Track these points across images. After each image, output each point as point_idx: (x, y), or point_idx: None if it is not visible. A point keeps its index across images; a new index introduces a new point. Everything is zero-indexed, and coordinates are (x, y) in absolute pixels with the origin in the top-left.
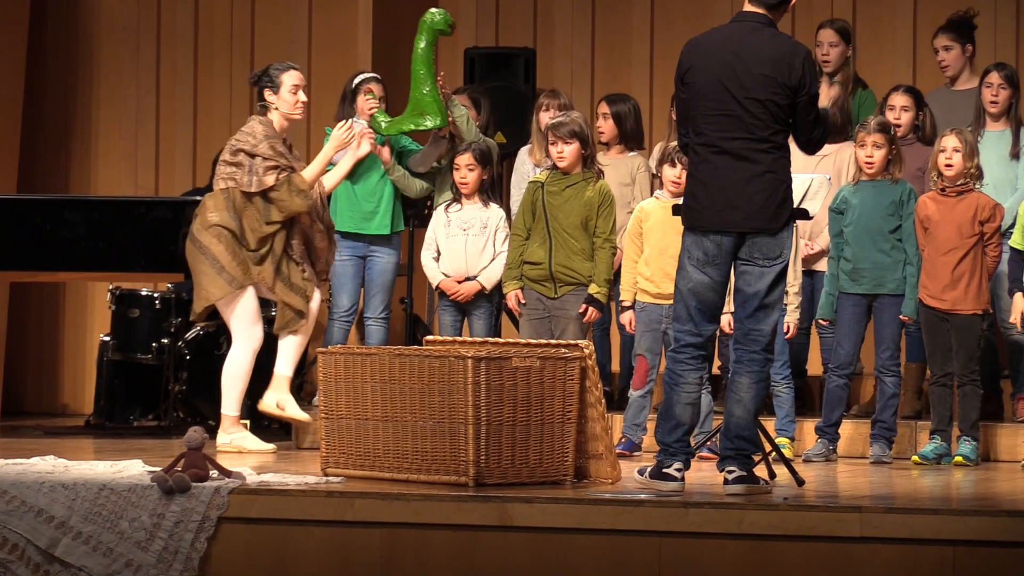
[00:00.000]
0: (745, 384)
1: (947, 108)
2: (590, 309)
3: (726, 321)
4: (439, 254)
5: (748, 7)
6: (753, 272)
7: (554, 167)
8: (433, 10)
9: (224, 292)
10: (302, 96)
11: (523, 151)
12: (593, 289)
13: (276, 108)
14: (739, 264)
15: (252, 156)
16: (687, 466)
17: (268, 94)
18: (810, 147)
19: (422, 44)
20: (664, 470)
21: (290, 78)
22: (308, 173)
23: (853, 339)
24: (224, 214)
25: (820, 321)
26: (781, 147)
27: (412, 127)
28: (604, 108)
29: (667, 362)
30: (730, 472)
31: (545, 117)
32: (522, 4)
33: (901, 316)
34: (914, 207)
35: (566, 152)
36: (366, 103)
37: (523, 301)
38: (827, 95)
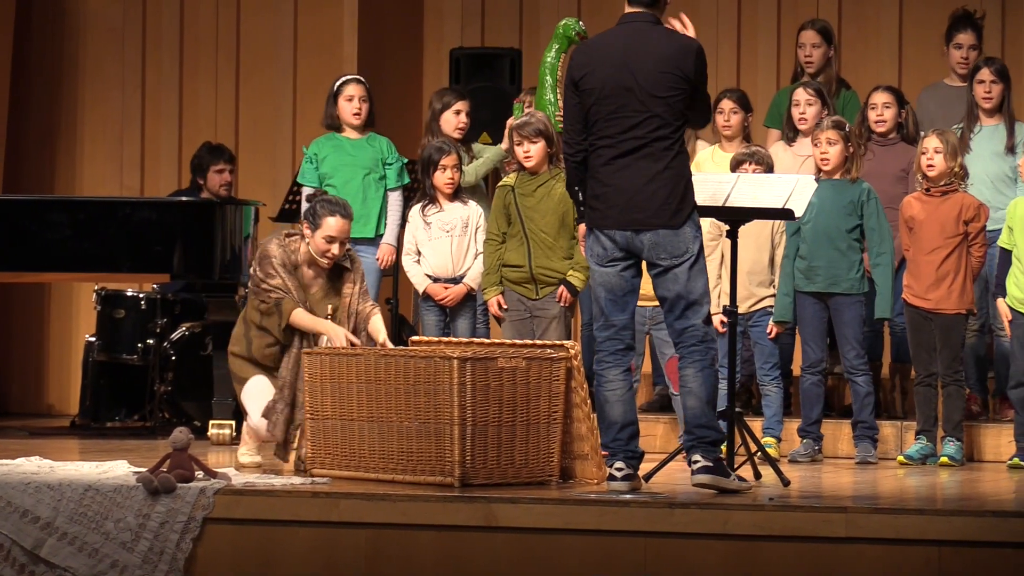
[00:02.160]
0: (691, 374)
1: (947, 104)
2: (564, 291)
3: (718, 320)
4: (420, 257)
5: (630, 8)
6: (667, 276)
7: (521, 168)
8: (569, 20)
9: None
10: (335, 249)
11: None
12: (569, 274)
13: (308, 243)
14: (650, 270)
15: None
16: (632, 465)
17: (306, 227)
18: (701, 122)
19: (551, 53)
20: (610, 471)
21: (331, 225)
22: (297, 317)
23: (818, 338)
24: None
25: (777, 324)
26: (679, 143)
27: None
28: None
29: (595, 365)
30: (695, 462)
31: None
32: (508, 4)
33: (877, 317)
34: (878, 206)
35: (533, 151)
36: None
37: (504, 307)
38: None
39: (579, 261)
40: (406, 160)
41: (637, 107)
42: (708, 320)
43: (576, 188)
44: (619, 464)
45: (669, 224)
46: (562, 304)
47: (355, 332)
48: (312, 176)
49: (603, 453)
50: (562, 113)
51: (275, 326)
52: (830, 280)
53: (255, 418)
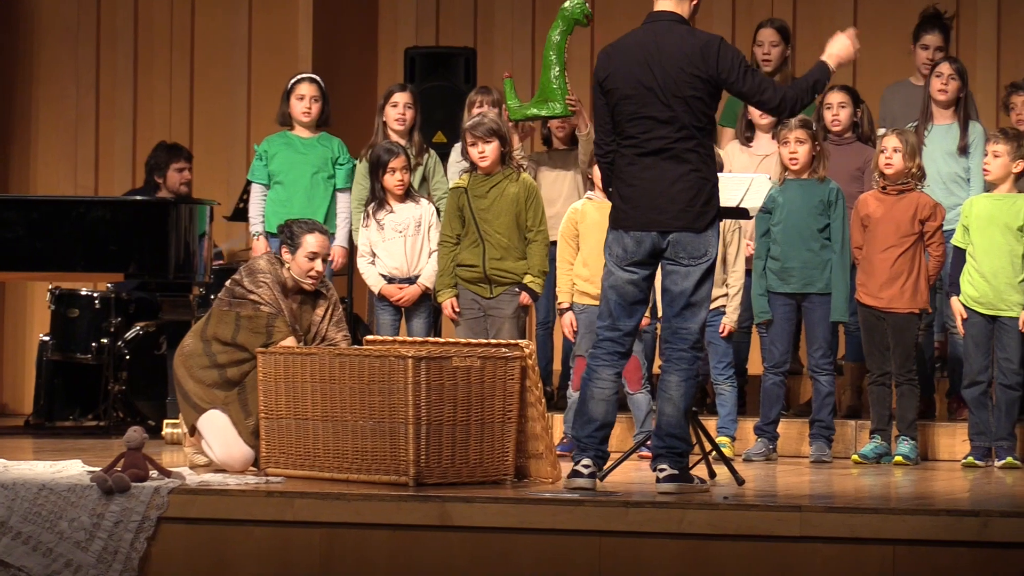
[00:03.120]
0: (675, 382)
1: (910, 103)
2: (523, 295)
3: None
4: (374, 258)
5: (659, 6)
6: (679, 271)
7: (473, 168)
8: (574, 1)
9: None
10: (319, 265)
11: (456, 148)
12: (528, 279)
13: (289, 268)
14: (665, 264)
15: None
16: (598, 464)
17: (285, 252)
18: (778, 109)
19: (556, 32)
20: (574, 466)
21: (311, 243)
22: (287, 343)
23: (786, 338)
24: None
25: (759, 324)
26: (706, 145)
27: (536, 112)
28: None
29: (588, 358)
30: (661, 470)
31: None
32: (462, 4)
33: (834, 320)
34: (844, 207)
35: (487, 151)
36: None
37: (458, 309)
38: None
39: (536, 265)
40: (355, 162)
41: (660, 107)
42: (703, 329)
43: (611, 189)
44: (587, 461)
45: (692, 227)
46: (521, 304)
47: None
48: (261, 173)
49: (560, 453)
50: (572, 96)
51: (258, 341)
52: (805, 281)
53: (220, 454)
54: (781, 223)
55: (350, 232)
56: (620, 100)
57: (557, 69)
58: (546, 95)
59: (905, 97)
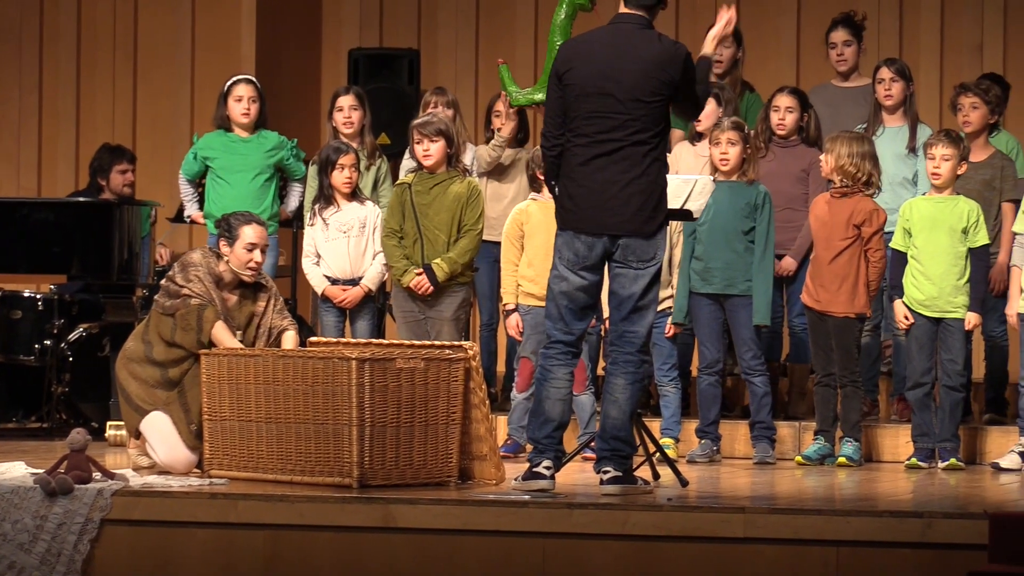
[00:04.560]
0: (620, 385)
1: (832, 104)
2: (423, 278)
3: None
4: (319, 259)
5: (624, 8)
6: (628, 275)
7: (419, 168)
8: None
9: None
10: (257, 256)
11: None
12: (435, 262)
13: (228, 261)
14: (613, 267)
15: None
16: (557, 465)
17: (223, 245)
18: (697, 115)
19: (561, 16)
20: (534, 468)
21: (249, 234)
22: (219, 331)
23: (715, 339)
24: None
25: (674, 325)
26: (658, 149)
27: (542, 98)
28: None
29: (540, 358)
30: (605, 472)
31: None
32: (406, 6)
33: (756, 323)
34: (771, 211)
35: (432, 150)
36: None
37: (425, 284)
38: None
39: (454, 253)
40: (295, 141)
41: (618, 109)
42: (650, 332)
43: (553, 183)
44: (548, 463)
45: (641, 231)
46: (414, 288)
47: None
48: (191, 166)
49: (504, 455)
50: None
51: (191, 337)
52: (726, 282)
53: (164, 456)
54: (707, 224)
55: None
56: (578, 97)
57: None
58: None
59: (828, 98)
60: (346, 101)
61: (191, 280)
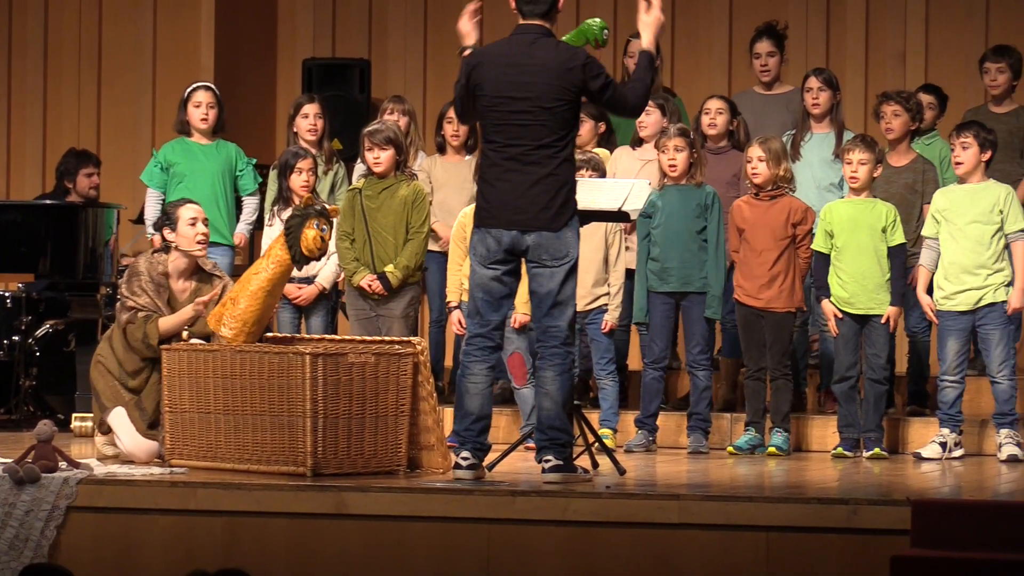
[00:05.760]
0: (550, 377)
1: (756, 111)
2: (375, 280)
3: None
4: None
5: (524, 20)
6: (544, 273)
7: (370, 173)
8: (596, 20)
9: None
10: (201, 228)
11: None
12: (388, 269)
13: (176, 246)
14: (529, 267)
15: (122, 294)
16: (478, 456)
17: (167, 232)
18: (636, 111)
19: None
20: (456, 459)
21: (186, 212)
22: (164, 324)
23: (665, 336)
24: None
25: (636, 324)
26: (565, 151)
27: None
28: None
29: (461, 354)
30: (547, 461)
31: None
32: (357, 16)
33: (705, 316)
34: (720, 211)
35: (382, 157)
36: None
37: (376, 285)
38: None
39: (403, 259)
40: (255, 161)
41: (524, 116)
42: (572, 324)
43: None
44: (465, 454)
45: (549, 227)
46: (371, 291)
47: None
48: (159, 180)
49: (450, 444)
50: None
51: (142, 348)
52: (683, 280)
53: (129, 444)
54: (661, 226)
55: (252, 231)
56: (486, 107)
57: None
58: None
59: (750, 105)
60: (312, 109)
61: (136, 293)
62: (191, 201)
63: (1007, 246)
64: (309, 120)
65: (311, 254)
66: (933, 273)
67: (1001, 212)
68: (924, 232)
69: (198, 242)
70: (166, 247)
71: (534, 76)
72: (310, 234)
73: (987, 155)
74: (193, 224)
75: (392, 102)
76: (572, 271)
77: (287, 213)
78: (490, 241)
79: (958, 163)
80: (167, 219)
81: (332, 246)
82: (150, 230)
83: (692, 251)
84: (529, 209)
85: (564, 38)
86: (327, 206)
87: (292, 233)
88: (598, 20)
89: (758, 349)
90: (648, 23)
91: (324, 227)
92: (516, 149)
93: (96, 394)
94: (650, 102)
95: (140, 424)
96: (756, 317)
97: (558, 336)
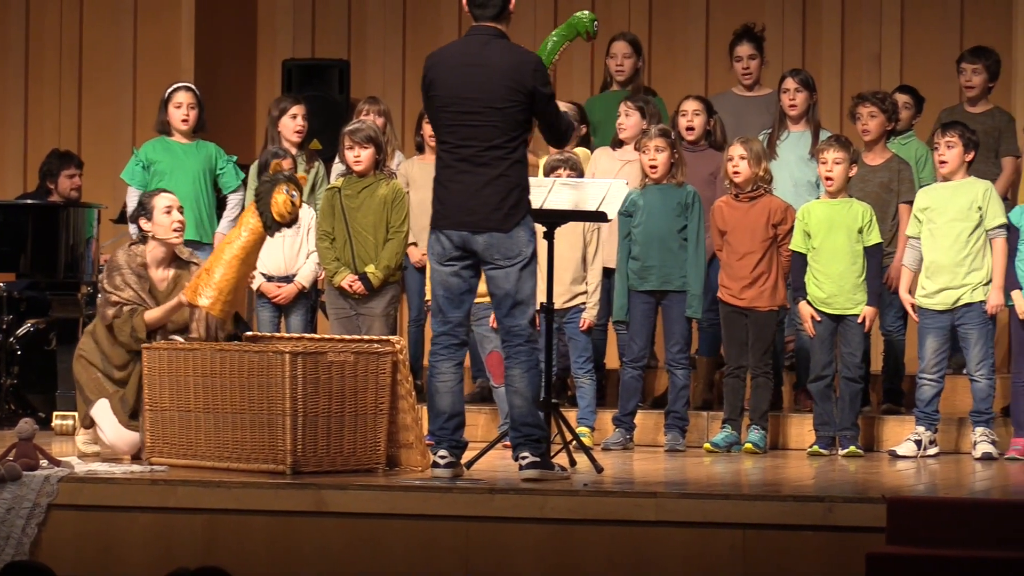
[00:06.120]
0: (518, 375)
1: (736, 113)
2: (357, 282)
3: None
4: None
5: (476, 22)
6: (500, 274)
7: (348, 172)
8: (585, 12)
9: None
10: (177, 215)
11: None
12: (369, 269)
13: (153, 235)
14: (485, 269)
15: (105, 289)
16: (454, 454)
17: (144, 223)
18: (560, 141)
19: (554, 36)
20: (433, 458)
21: (161, 200)
22: (151, 317)
23: (645, 334)
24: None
25: (616, 323)
26: (516, 153)
27: None
28: None
29: (430, 357)
30: (523, 458)
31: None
32: (336, 17)
33: (686, 315)
34: (700, 210)
35: (363, 156)
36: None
37: (358, 284)
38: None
39: (384, 259)
40: (235, 158)
41: (476, 117)
42: (533, 321)
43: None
44: (443, 452)
45: (500, 228)
46: (352, 291)
47: (194, 320)
48: (140, 179)
49: (428, 443)
50: None
51: (128, 341)
52: (663, 279)
53: (111, 436)
54: (641, 225)
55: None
56: (439, 108)
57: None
58: None
59: (729, 106)
60: (300, 110)
61: (119, 287)
62: (166, 191)
63: (988, 243)
64: (297, 121)
65: (282, 219)
66: (916, 273)
67: (980, 208)
68: (908, 232)
69: (174, 230)
70: (143, 237)
71: (485, 76)
72: (280, 198)
73: (970, 155)
74: (168, 212)
75: (367, 103)
76: (527, 269)
77: None
78: (444, 241)
79: (943, 162)
80: (143, 209)
81: (312, 244)
82: (134, 228)
83: (672, 250)
84: (480, 210)
85: (554, 32)
86: (296, 173)
87: (262, 199)
88: (587, 12)
89: (739, 347)
90: None
91: (294, 192)
92: (468, 150)
93: (79, 387)
94: (630, 104)
95: (123, 416)
96: (739, 315)
97: (521, 335)
